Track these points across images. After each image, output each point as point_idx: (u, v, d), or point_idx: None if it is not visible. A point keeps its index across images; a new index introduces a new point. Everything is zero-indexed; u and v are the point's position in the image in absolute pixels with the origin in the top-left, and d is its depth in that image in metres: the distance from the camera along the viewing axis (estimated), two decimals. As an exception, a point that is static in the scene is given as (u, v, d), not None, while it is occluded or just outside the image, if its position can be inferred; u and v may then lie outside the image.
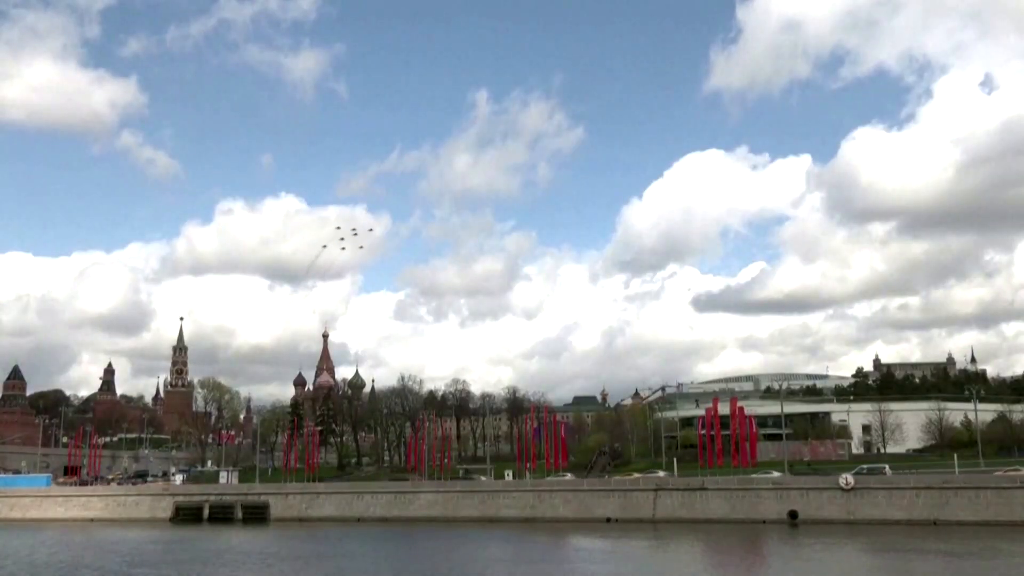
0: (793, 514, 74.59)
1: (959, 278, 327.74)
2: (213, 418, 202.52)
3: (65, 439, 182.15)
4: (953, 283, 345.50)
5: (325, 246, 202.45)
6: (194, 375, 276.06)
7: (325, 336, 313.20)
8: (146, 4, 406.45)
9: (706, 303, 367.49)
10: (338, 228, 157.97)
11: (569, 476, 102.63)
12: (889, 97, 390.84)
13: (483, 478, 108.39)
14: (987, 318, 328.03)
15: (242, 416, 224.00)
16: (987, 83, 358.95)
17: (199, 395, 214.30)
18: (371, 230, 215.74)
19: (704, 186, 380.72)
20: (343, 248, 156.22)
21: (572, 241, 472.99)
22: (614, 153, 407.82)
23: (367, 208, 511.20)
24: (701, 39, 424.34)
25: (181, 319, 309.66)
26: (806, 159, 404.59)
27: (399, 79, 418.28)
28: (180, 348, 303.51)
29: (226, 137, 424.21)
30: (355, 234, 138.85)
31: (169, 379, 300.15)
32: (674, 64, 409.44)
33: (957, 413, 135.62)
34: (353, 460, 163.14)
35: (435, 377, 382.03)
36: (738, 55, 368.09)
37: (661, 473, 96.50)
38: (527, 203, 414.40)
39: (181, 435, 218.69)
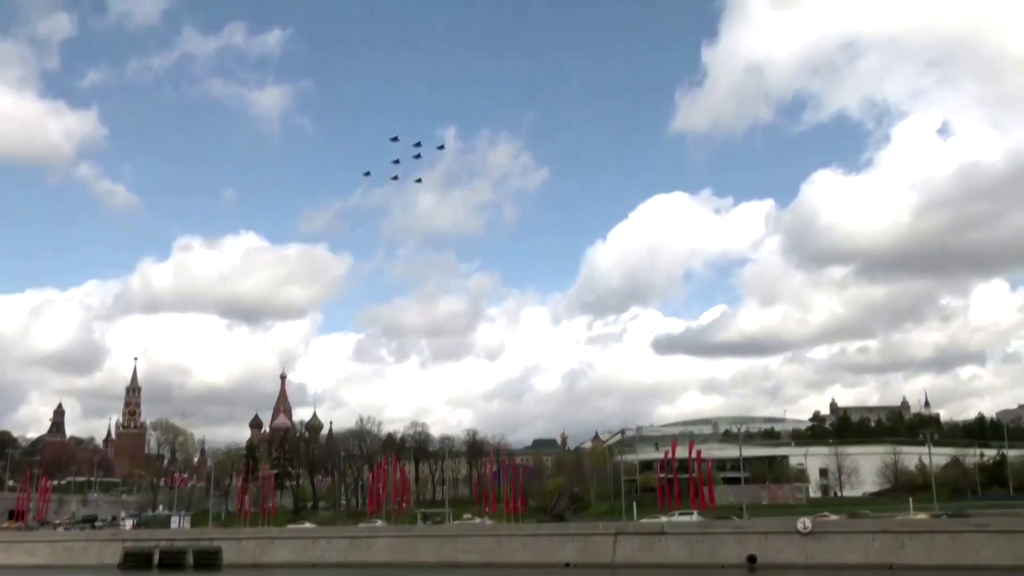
0: (752, 558, 74.45)
1: (916, 322, 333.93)
2: (166, 461, 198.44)
3: (11, 482, 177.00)
4: (910, 327, 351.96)
5: (368, 173, 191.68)
6: (147, 416, 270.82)
7: (283, 377, 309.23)
8: (107, 36, 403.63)
9: (667, 345, 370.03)
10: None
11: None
12: (849, 141, 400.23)
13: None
14: (943, 362, 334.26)
15: (196, 459, 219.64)
16: (944, 129, 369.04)
17: (152, 437, 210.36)
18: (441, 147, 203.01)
19: (668, 228, 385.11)
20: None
21: (536, 282, 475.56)
22: (579, 194, 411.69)
23: (329, 247, 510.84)
24: (667, 81, 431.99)
25: (135, 358, 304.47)
26: (769, 203, 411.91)
27: (366, 115, 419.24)
28: (133, 388, 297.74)
29: (187, 171, 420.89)
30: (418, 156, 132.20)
31: (121, 420, 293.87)
32: (640, 106, 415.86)
33: (912, 457, 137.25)
34: (309, 504, 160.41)
35: (395, 419, 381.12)
36: (703, 98, 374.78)
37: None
38: (492, 243, 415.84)
39: (132, 478, 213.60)
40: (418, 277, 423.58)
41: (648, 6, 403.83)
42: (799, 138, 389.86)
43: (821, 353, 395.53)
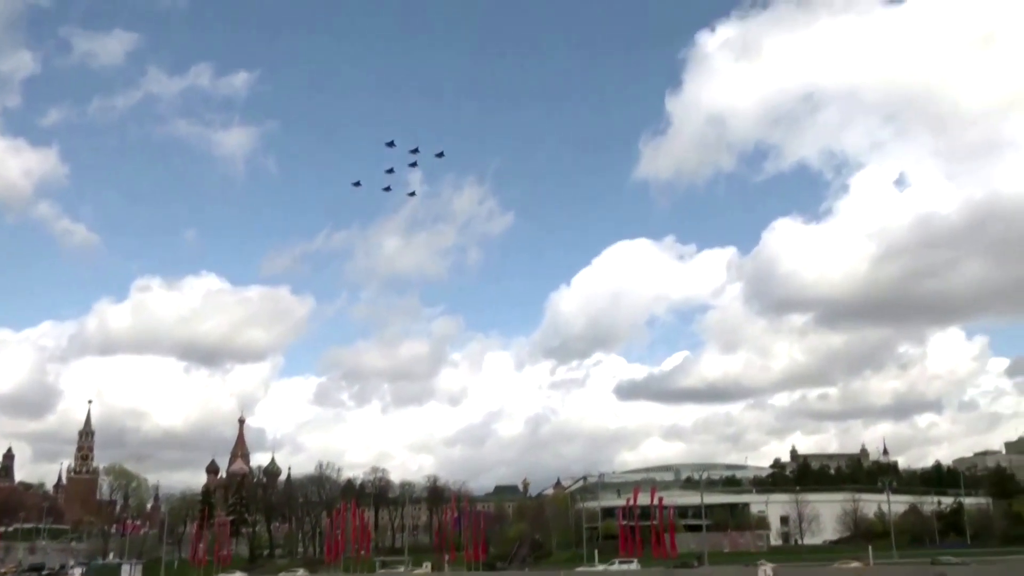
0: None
1: (875, 369, 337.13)
2: (118, 507, 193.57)
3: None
4: (869, 374, 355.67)
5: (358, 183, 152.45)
6: (100, 461, 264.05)
7: (241, 421, 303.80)
8: (70, 74, 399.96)
9: (630, 391, 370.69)
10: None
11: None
12: (809, 191, 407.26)
13: (401, 569, 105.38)
14: (901, 409, 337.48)
15: (149, 505, 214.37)
16: (901, 181, 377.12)
17: (104, 482, 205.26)
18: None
19: (632, 274, 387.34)
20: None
21: (500, 327, 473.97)
22: (544, 239, 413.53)
23: (291, 289, 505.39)
24: (631, 129, 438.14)
25: (89, 401, 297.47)
26: (731, 250, 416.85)
27: (332, 158, 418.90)
28: (86, 432, 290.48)
29: (148, 211, 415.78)
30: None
31: (73, 465, 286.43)
32: (605, 152, 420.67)
33: (871, 504, 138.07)
34: (266, 551, 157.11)
35: (355, 464, 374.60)
36: (666, 146, 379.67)
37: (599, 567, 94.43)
38: (455, 287, 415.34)
39: (83, 525, 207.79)
40: (381, 320, 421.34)
41: (614, 55, 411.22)
42: (760, 187, 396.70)
43: (782, 400, 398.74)
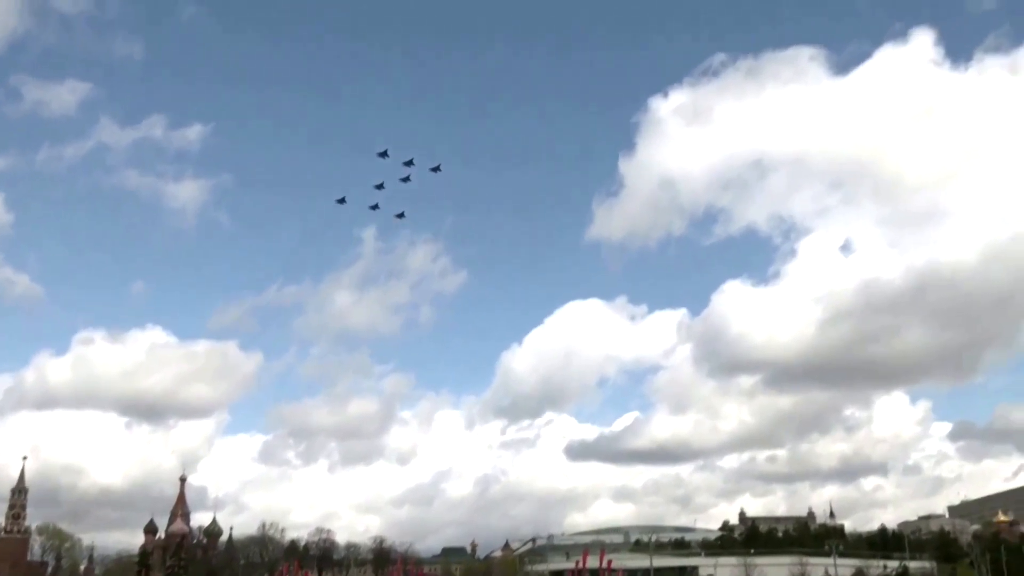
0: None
1: (822, 432, 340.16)
2: (50, 568, 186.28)
3: None
4: (816, 437, 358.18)
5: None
6: (33, 520, 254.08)
7: (183, 479, 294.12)
8: (20, 123, 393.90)
9: (580, 452, 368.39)
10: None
11: None
12: (757, 255, 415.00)
13: None
14: (847, 472, 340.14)
15: (83, 566, 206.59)
16: (847, 246, 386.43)
17: (36, 542, 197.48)
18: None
19: (584, 334, 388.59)
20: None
21: (451, 385, 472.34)
22: (496, 298, 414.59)
23: (239, 344, 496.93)
24: (585, 190, 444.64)
25: (24, 457, 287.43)
26: (682, 311, 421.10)
27: (285, 212, 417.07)
28: (19, 489, 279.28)
29: (95, 262, 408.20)
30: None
31: (3, 524, 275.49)
32: (559, 213, 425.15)
33: (819, 568, 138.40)
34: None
35: (300, 524, 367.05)
36: (619, 208, 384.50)
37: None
38: (407, 345, 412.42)
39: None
40: (330, 377, 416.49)
41: (569, 117, 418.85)
42: (711, 250, 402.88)
43: (731, 462, 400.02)
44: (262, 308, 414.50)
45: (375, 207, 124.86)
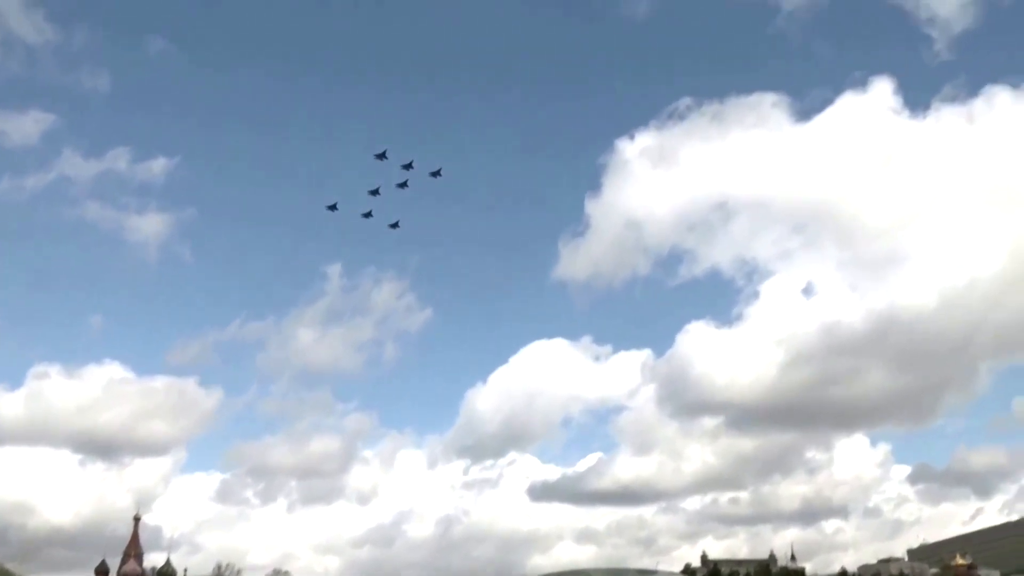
0: None
1: (784, 474, 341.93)
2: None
3: None
4: (778, 479, 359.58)
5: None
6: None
7: (136, 518, 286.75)
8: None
9: (543, 492, 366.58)
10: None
11: None
12: (721, 296, 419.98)
13: None
14: (808, 514, 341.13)
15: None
16: (808, 289, 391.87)
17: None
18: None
19: (548, 374, 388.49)
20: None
21: (414, 424, 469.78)
22: (462, 337, 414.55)
23: (199, 380, 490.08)
24: (552, 230, 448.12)
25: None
26: (646, 352, 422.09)
27: (249, 247, 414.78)
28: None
29: (52, 295, 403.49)
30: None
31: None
32: (525, 253, 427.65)
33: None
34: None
35: (257, 566, 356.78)
36: (585, 248, 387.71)
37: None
38: (370, 383, 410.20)
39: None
40: (291, 415, 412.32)
41: (537, 158, 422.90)
42: (675, 291, 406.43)
43: (694, 503, 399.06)
44: (224, 344, 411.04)
45: (368, 215, 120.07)
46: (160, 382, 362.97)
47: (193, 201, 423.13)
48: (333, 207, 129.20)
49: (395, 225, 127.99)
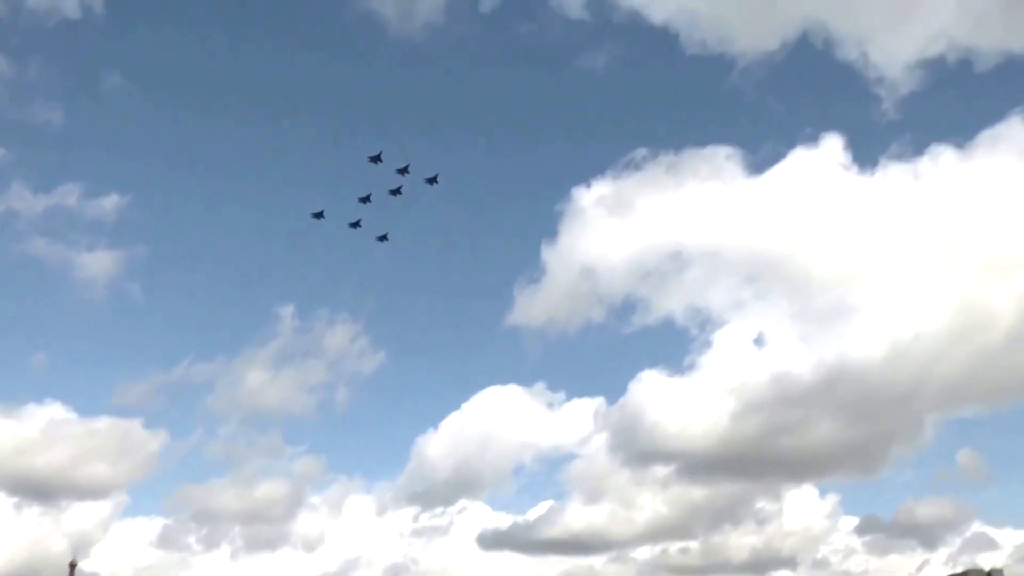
0: None
1: (734, 524, 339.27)
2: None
3: None
4: (729, 529, 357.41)
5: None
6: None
7: (72, 564, 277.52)
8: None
9: (494, 541, 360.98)
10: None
11: None
12: (674, 345, 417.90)
13: None
14: (759, 565, 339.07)
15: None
16: (760, 340, 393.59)
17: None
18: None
19: (501, 421, 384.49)
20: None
21: (364, 469, 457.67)
22: (415, 381, 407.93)
23: (144, 421, 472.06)
24: (507, 276, 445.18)
25: None
26: (599, 400, 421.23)
27: (201, 287, 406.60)
28: None
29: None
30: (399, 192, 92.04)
31: None
32: (480, 298, 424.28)
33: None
34: None
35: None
36: (540, 295, 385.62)
37: None
38: (321, 426, 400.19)
39: None
40: (239, 458, 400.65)
41: (493, 204, 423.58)
42: (629, 338, 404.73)
43: (644, 553, 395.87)
44: (171, 385, 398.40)
45: (356, 224, 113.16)
46: (103, 423, 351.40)
47: (145, 239, 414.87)
48: (319, 215, 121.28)
49: (383, 237, 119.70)
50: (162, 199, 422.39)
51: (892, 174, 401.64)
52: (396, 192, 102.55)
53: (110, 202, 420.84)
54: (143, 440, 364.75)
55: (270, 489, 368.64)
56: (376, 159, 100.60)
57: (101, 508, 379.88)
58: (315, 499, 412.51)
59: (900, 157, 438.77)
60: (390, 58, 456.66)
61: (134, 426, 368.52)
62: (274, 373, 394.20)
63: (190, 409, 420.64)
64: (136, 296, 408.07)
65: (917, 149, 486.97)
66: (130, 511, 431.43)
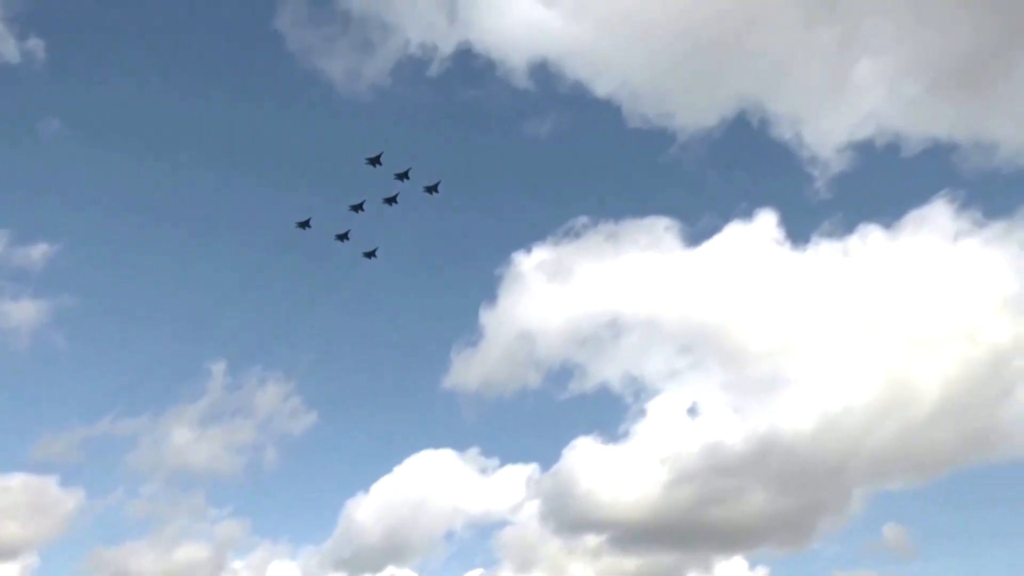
0: None
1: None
2: None
3: None
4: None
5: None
6: None
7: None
8: None
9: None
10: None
11: None
12: (609, 413, 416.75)
13: None
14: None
15: None
16: (693, 409, 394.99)
17: None
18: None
19: (433, 486, 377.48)
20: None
21: (290, 533, 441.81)
22: (346, 443, 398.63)
23: (60, 479, 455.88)
24: (445, 338, 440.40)
25: None
26: (533, 466, 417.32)
27: (130, 340, 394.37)
28: None
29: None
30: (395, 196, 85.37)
31: None
32: (416, 359, 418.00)
33: None
34: None
35: None
36: (477, 358, 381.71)
37: None
38: (247, 488, 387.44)
39: None
40: (160, 519, 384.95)
41: (432, 266, 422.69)
42: (564, 405, 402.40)
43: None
44: (92, 440, 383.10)
45: (344, 237, 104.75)
46: (17, 480, 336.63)
47: (73, 289, 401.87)
48: (305, 224, 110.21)
49: (371, 254, 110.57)
50: (94, 249, 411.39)
51: (823, 250, 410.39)
52: (392, 201, 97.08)
53: (38, 251, 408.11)
54: (58, 498, 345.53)
55: (191, 552, 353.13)
56: (375, 161, 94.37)
57: (8, 571, 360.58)
58: (237, 564, 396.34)
59: (831, 234, 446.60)
60: (336, 115, 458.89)
61: (48, 484, 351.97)
62: (201, 431, 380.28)
63: (110, 467, 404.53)
64: (61, 347, 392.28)
65: (847, 227, 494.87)
66: (39, 574, 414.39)
